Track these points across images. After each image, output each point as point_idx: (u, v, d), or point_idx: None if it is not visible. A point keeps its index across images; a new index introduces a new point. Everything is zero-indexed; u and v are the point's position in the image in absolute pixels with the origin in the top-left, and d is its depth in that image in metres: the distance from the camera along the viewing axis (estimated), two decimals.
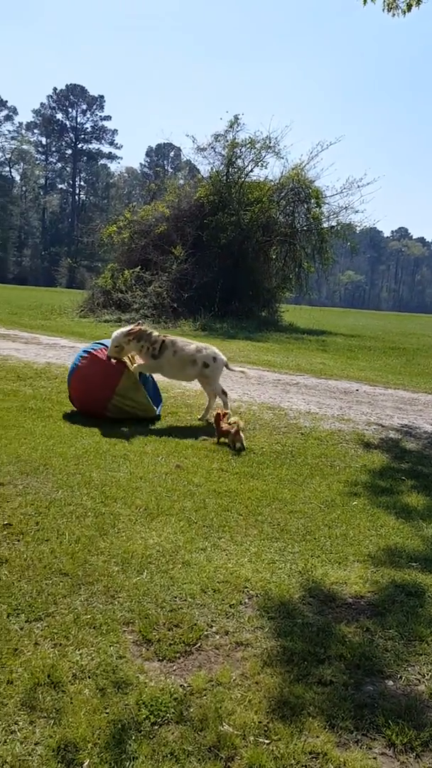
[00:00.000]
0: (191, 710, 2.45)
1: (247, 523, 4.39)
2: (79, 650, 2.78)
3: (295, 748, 2.28)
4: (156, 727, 2.35)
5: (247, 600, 3.34)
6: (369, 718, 2.48)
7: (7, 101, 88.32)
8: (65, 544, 3.80)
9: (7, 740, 2.24)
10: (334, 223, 23.86)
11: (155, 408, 7.36)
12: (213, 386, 7.38)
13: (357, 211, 30.67)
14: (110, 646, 2.83)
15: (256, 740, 2.31)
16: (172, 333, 17.86)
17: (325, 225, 23.78)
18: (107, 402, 7.07)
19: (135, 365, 7.27)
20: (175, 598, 3.29)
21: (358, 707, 2.54)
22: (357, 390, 10.09)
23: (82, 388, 7.27)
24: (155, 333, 7.43)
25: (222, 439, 6.46)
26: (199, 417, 7.47)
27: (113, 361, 7.17)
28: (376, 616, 3.26)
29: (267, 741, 2.31)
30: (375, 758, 2.30)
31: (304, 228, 24.10)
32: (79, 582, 3.37)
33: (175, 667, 2.74)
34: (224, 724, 2.38)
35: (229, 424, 6.39)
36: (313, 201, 23.35)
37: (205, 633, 3.00)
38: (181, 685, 2.60)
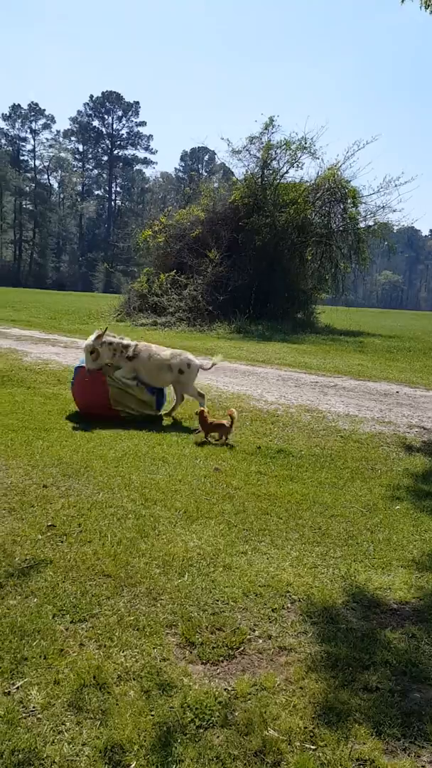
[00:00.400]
0: (236, 714, 2.45)
1: (288, 527, 4.36)
2: (123, 652, 2.80)
3: (342, 754, 2.26)
4: (201, 731, 2.35)
5: (289, 604, 3.32)
6: (417, 726, 2.44)
7: (45, 110, 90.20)
8: (107, 545, 3.84)
9: (55, 740, 2.27)
10: (371, 223, 23.55)
11: (154, 401, 7.56)
12: (190, 389, 7.54)
13: (395, 210, 30.15)
14: (154, 648, 2.85)
15: (302, 746, 2.29)
16: (208, 336, 17.97)
17: (362, 225, 23.48)
18: (111, 409, 7.34)
19: (114, 373, 7.38)
20: (217, 601, 3.29)
21: (405, 714, 2.49)
22: (397, 392, 9.93)
23: (84, 402, 7.50)
24: (128, 338, 7.64)
25: (211, 434, 6.60)
26: (166, 413, 7.65)
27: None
28: (422, 623, 3.20)
29: (313, 747, 2.29)
30: (424, 767, 2.25)
31: (341, 228, 23.82)
32: (121, 584, 3.40)
33: (218, 671, 2.74)
34: (269, 728, 2.36)
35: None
36: (349, 201, 23.05)
37: (248, 637, 2.99)
38: (225, 689, 2.60)
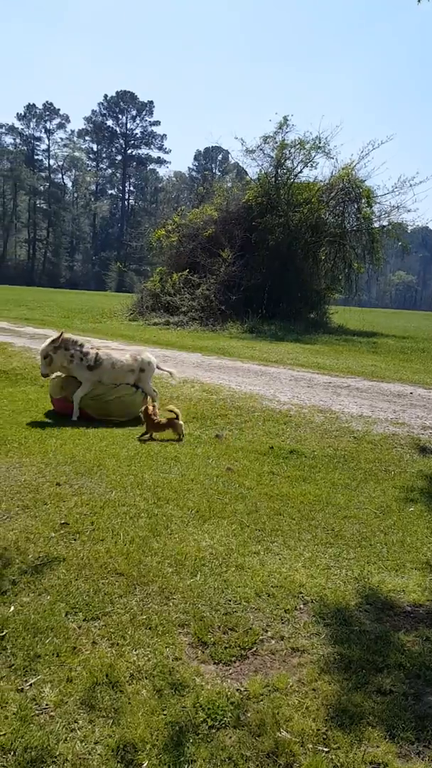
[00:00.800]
0: (248, 715, 2.44)
1: (300, 528, 4.34)
2: (135, 650, 2.80)
3: (354, 757, 2.24)
4: (214, 731, 2.34)
5: (302, 606, 3.30)
6: (431, 730, 2.42)
7: (59, 109, 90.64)
8: (120, 544, 3.85)
9: (68, 738, 2.27)
10: (385, 223, 23.42)
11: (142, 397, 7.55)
12: (148, 386, 7.58)
13: (409, 210, 30.05)
14: (166, 647, 2.85)
15: (315, 748, 2.28)
16: (221, 336, 17.95)
17: (376, 225, 23.35)
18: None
19: (76, 393, 7.19)
20: (230, 601, 3.28)
21: (419, 718, 2.47)
22: (411, 393, 9.87)
23: (63, 407, 7.34)
24: (87, 344, 7.45)
25: (156, 434, 6.47)
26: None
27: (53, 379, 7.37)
28: None
29: (326, 749, 2.28)
30: None
31: (354, 228, 23.73)
32: (134, 582, 3.40)
33: (231, 671, 2.73)
34: (282, 730, 2.35)
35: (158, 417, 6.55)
36: (363, 200, 22.93)
37: (261, 638, 2.98)
38: (237, 689, 2.59)
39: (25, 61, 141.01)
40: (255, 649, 2.90)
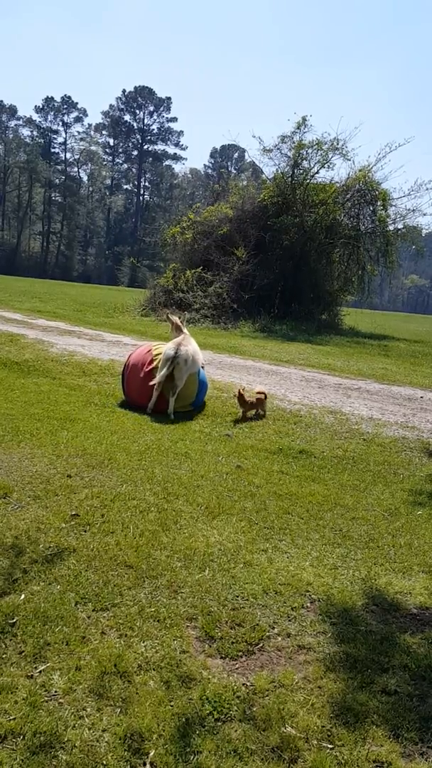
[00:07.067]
0: (254, 710, 2.46)
1: (309, 527, 4.36)
2: (143, 642, 2.84)
3: (359, 755, 2.26)
4: (220, 724, 2.37)
5: (308, 604, 3.32)
6: None
7: (77, 103, 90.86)
8: (129, 537, 3.88)
9: (76, 725, 2.31)
10: (400, 226, 23.32)
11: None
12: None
13: (425, 214, 29.86)
14: (174, 640, 2.88)
15: (319, 744, 2.30)
16: (232, 334, 17.95)
17: (391, 227, 23.26)
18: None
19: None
20: (237, 597, 3.31)
21: (423, 719, 2.49)
22: (421, 397, 9.84)
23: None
24: None
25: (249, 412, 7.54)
26: None
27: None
28: None
29: (330, 746, 2.30)
30: None
31: (369, 230, 23.65)
32: (143, 575, 3.44)
33: (237, 666, 2.76)
34: (287, 725, 2.38)
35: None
36: (379, 203, 22.87)
37: (267, 634, 3.01)
38: (243, 684, 2.62)
39: (44, 55, 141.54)
40: (261, 645, 2.93)
